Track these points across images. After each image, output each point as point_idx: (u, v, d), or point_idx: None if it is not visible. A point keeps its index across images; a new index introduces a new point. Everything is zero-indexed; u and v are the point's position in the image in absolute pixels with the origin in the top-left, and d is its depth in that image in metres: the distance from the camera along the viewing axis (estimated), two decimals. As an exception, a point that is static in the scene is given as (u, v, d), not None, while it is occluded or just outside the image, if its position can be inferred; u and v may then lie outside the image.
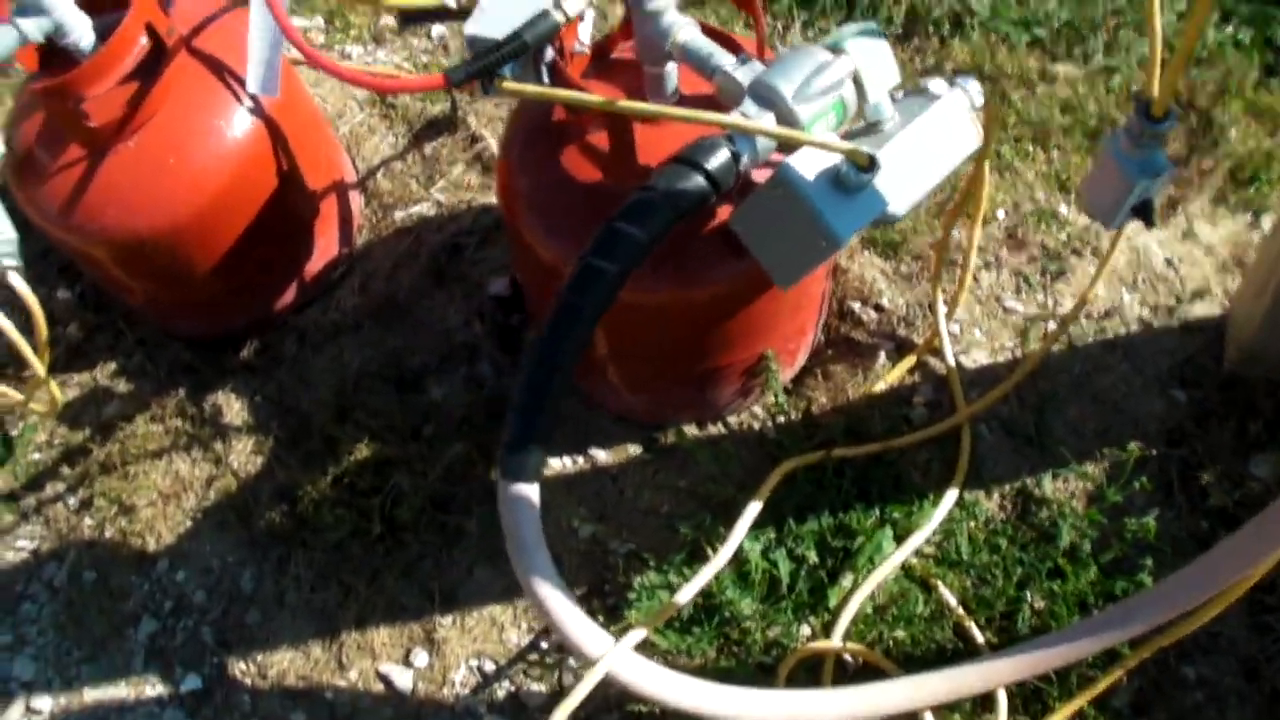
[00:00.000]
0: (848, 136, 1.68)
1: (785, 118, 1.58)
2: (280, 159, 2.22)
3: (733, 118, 1.56)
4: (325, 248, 2.44)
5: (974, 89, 1.72)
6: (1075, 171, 2.39)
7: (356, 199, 2.55)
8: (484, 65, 1.56)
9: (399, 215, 2.53)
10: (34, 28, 1.97)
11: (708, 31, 1.85)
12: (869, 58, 1.65)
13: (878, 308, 2.25)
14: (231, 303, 2.39)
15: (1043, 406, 2.10)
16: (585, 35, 1.94)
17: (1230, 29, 2.58)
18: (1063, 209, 2.35)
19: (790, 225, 1.59)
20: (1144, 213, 1.59)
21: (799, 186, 1.55)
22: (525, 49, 1.57)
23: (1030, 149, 2.44)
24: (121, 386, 2.44)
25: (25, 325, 1.95)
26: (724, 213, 1.78)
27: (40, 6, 1.96)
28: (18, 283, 1.99)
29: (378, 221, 2.54)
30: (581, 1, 1.58)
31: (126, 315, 2.51)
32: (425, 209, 2.52)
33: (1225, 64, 2.51)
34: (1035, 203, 2.36)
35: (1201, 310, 2.21)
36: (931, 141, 1.67)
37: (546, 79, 1.74)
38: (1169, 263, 2.27)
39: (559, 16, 1.57)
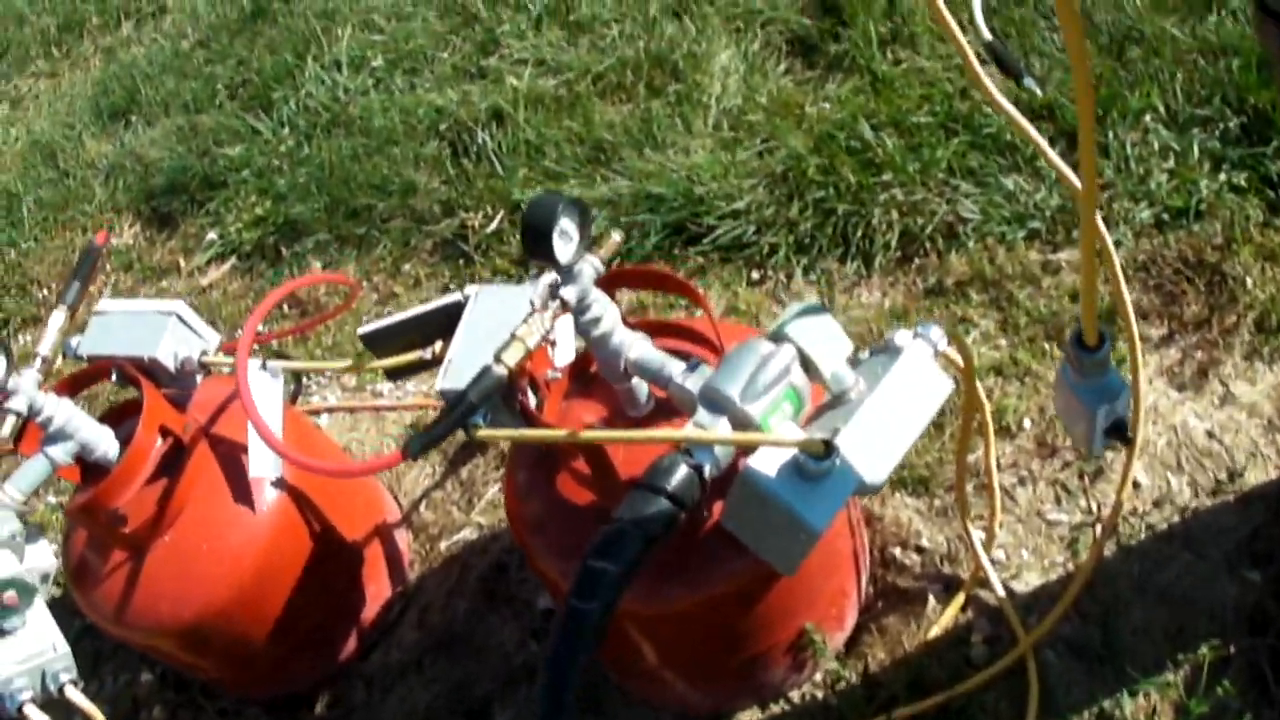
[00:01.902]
0: (817, 410, 1.69)
1: (738, 420, 1.59)
2: (312, 523, 2.29)
3: (686, 432, 1.58)
4: (377, 593, 2.49)
5: (935, 335, 1.71)
6: (1095, 360, 2.34)
7: (404, 536, 2.62)
8: (435, 435, 1.60)
9: (444, 545, 2.57)
10: (61, 453, 2.10)
11: (666, 329, 1.91)
12: (813, 336, 1.66)
13: (919, 549, 2.20)
14: (296, 663, 2.44)
15: (1107, 618, 2.00)
16: (566, 351, 1.99)
17: (1224, 175, 2.53)
18: (1090, 403, 2.29)
19: (769, 520, 1.58)
20: (1118, 433, 1.55)
21: (763, 485, 1.54)
22: (474, 409, 1.61)
23: (1046, 347, 2.40)
24: (212, 763, 2.49)
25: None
26: (719, 508, 1.77)
27: (65, 433, 2.10)
28: (76, 696, 2.06)
29: (427, 553, 2.60)
30: (518, 352, 1.61)
31: (204, 689, 2.58)
32: (468, 534, 2.57)
33: (1225, 211, 2.46)
34: (1060, 402, 2.31)
35: (1257, 477, 2.11)
36: (900, 401, 1.65)
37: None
38: (1211, 434, 2.18)
39: (500, 370, 1.61)
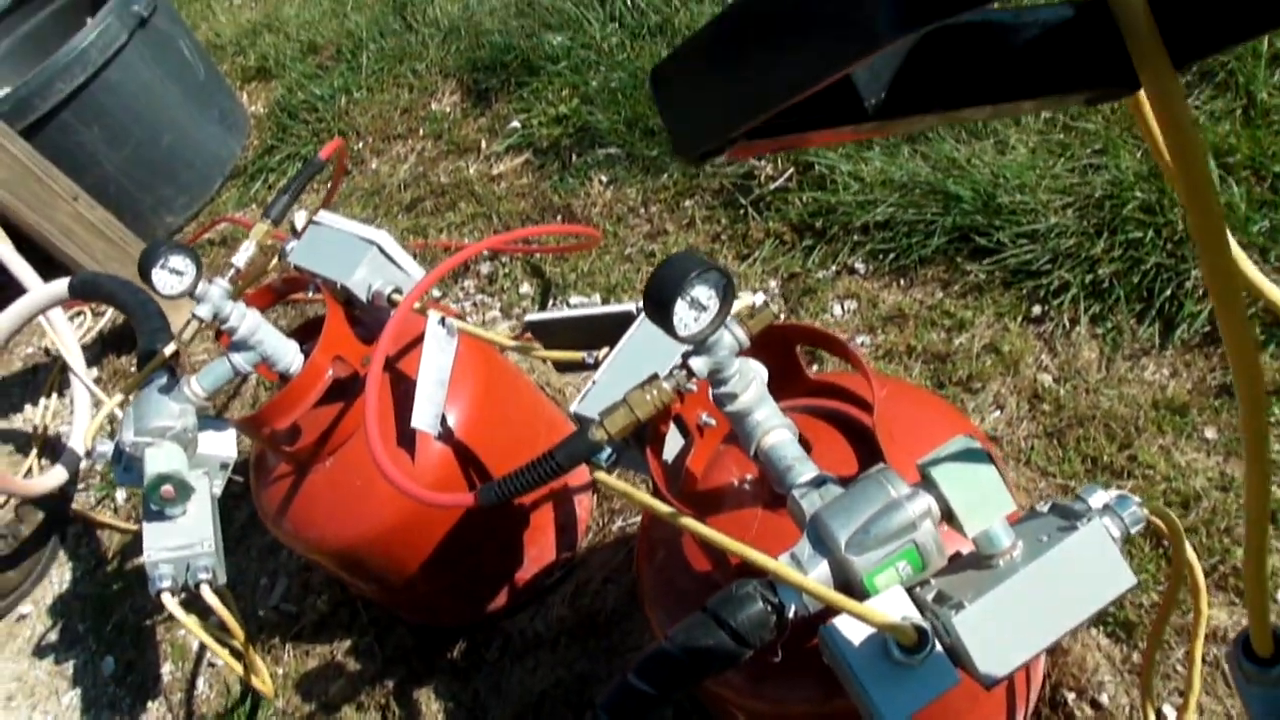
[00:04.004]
0: (963, 560, 1.42)
1: (838, 569, 1.35)
2: (474, 480, 2.21)
3: (774, 564, 1.35)
4: (539, 555, 2.41)
5: (1132, 514, 1.40)
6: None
7: (586, 501, 2.51)
8: (512, 487, 1.47)
9: (621, 523, 2.45)
10: (243, 361, 2.12)
11: (831, 390, 1.68)
12: (964, 486, 1.38)
13: (1094, 704, 1.86)
14: (442, 603, 2.42)
15: None
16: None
17: None
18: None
19: (846, 682, 1.35)
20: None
21: (842, 654, 1.31)
22: (558, 472, 1.46)
23: (1343, 501, 1.95)
24: (351, 665, 2.54)
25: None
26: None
27: (248, 343, 2.11)
28: (209, 596, 2.11)
29: (604, 525, 2.48)
30: (623, 420, 1.44)
31: (363, 596, 2.61)
32: (643, 518, 2.43)
33: None
34: (1339, 579, 1.87)
35: None
36: (1057, 586, 1.35)
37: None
38: None
39: (597, 436, 1.44)
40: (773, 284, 2.77)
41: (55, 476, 3.26)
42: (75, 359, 3.41)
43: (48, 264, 3.50)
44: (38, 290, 2.87)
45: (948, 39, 0.58)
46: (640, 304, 1.83)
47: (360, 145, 3.93)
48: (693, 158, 0.57)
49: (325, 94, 4.20)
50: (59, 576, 3.38)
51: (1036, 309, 2.45)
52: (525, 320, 1.95)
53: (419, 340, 2.23)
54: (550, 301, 2.98)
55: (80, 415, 3.39)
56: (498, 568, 2.38)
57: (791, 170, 2.91)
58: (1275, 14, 0.64)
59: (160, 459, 2.08)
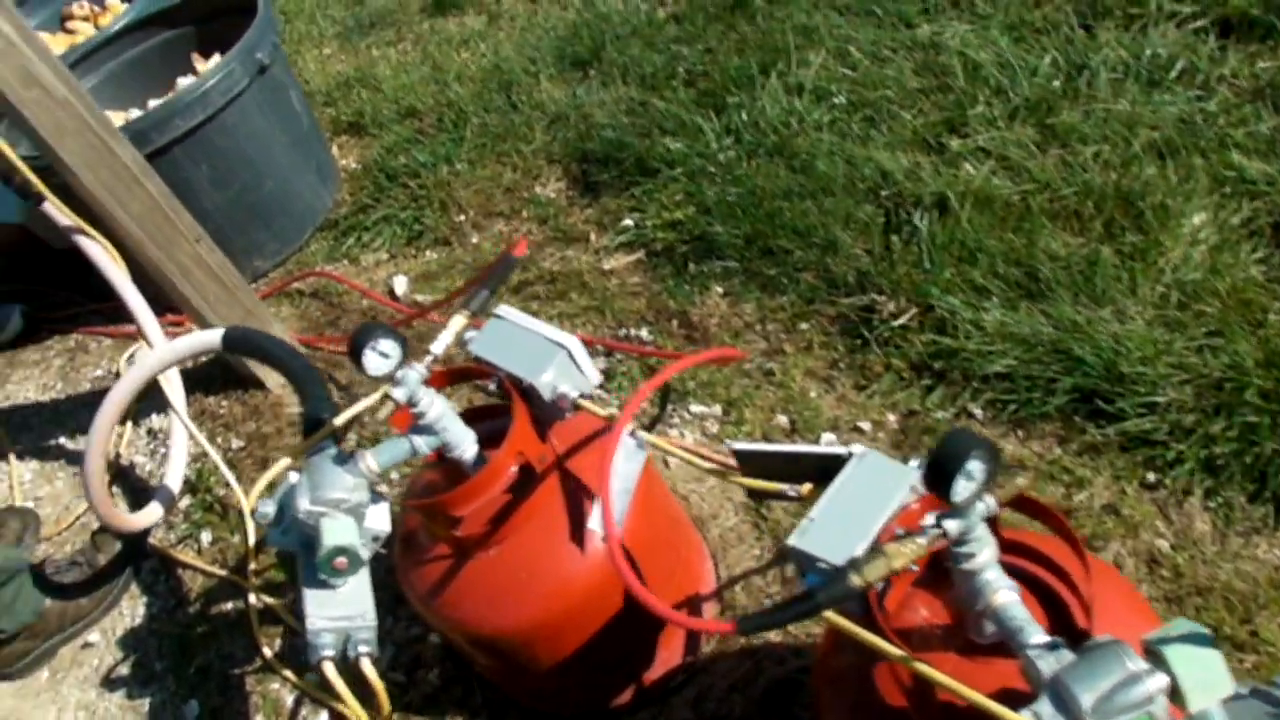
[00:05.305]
0: (1171, 732, 1.55)
1: (1080, 731, 1.47)
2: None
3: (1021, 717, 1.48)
4: (667, 658, 2.51)
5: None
6: None
7: (711, 609, 2.62)
8: (773, 622, 1.58)
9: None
10: (424, 444, 2.22)
11: (1026, 551, 1.80)
12: (1193, 668, 1.51)
13: None
14: (568, 695, 2.50)
15: None
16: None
17: None
18: None
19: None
20: None
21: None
22: (817, 611, 1.58)
23: None
24: (461, 745, 2.61)
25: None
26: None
27: (433, 429, 2.21)
28: (369, 670, 2.19)
29: (727, 635, 2.58)
30: (880, 569, 1.56)
31: (480, 675, 2.69)
32: (772, 636, 2.54)
33: None
34: None
35: None
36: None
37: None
38: None
39: (857, 582, 1.56)
40: (891, 418, 2.91)
41: (152, 513, 3.32)
42: (178, 399, 3.48)
43: (153, 300, 3.58)
44: (191, 337, 2.94)
45: None
46: (851, 448, 1.96)
47: (461, 218, 4.06)
48: None
49: (427, 161, 4.33)
50: (131, 610, 3.43)
51: (1151, 475, 2.60)
52: (732, 448, 2.07)
53: (586, 440, 2.36)
54: (668, 407, 3.11)
55: (177, 455, 3.45)
56: (630, 667, 2.48)
57: (915, 310, 3.06)
58: None
59: (337, 531, 2.17)
